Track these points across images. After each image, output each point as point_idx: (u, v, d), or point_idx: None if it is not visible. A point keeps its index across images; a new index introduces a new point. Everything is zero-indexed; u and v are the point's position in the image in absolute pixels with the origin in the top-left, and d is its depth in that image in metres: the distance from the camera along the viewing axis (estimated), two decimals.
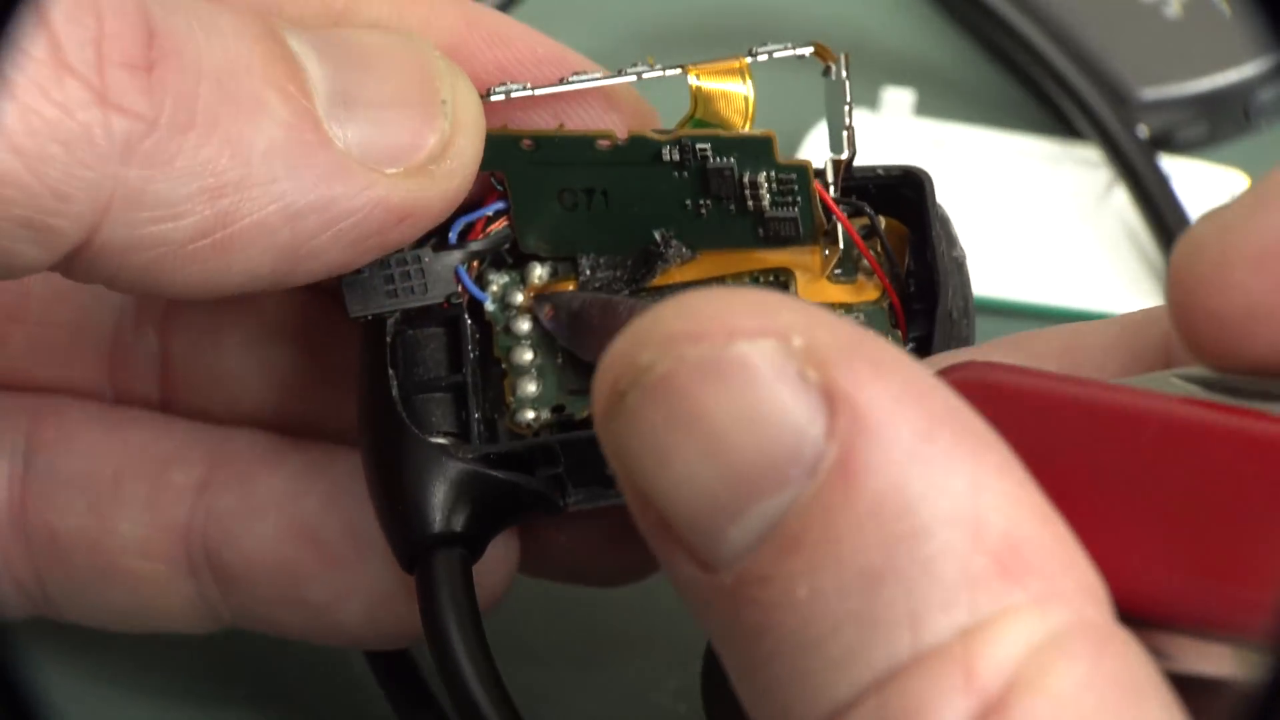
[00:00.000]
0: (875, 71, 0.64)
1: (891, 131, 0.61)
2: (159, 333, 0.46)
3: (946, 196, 0.60)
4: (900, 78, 0.63)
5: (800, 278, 0.41)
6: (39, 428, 0.46)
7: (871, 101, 0.62)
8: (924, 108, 0.62)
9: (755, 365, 0.29)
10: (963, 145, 0.62)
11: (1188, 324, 0.32)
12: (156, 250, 0.36)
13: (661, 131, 0.40)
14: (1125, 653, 0.29)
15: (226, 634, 0.47)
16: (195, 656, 0.50)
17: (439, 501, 0.40)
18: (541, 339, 0.42)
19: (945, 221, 0.41)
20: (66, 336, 0.46)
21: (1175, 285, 0.32)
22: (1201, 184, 0.61)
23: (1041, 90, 0.61)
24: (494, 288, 0.42)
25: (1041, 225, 0.60)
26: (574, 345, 0.41)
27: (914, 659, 0.28)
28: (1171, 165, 0.61)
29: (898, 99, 0.62)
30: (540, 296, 0.42)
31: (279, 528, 0.44)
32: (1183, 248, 0.32)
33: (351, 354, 0.43)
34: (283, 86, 0.37)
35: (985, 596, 0.28)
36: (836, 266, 0.41)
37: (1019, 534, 0.29)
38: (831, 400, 0.29)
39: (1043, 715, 0.28)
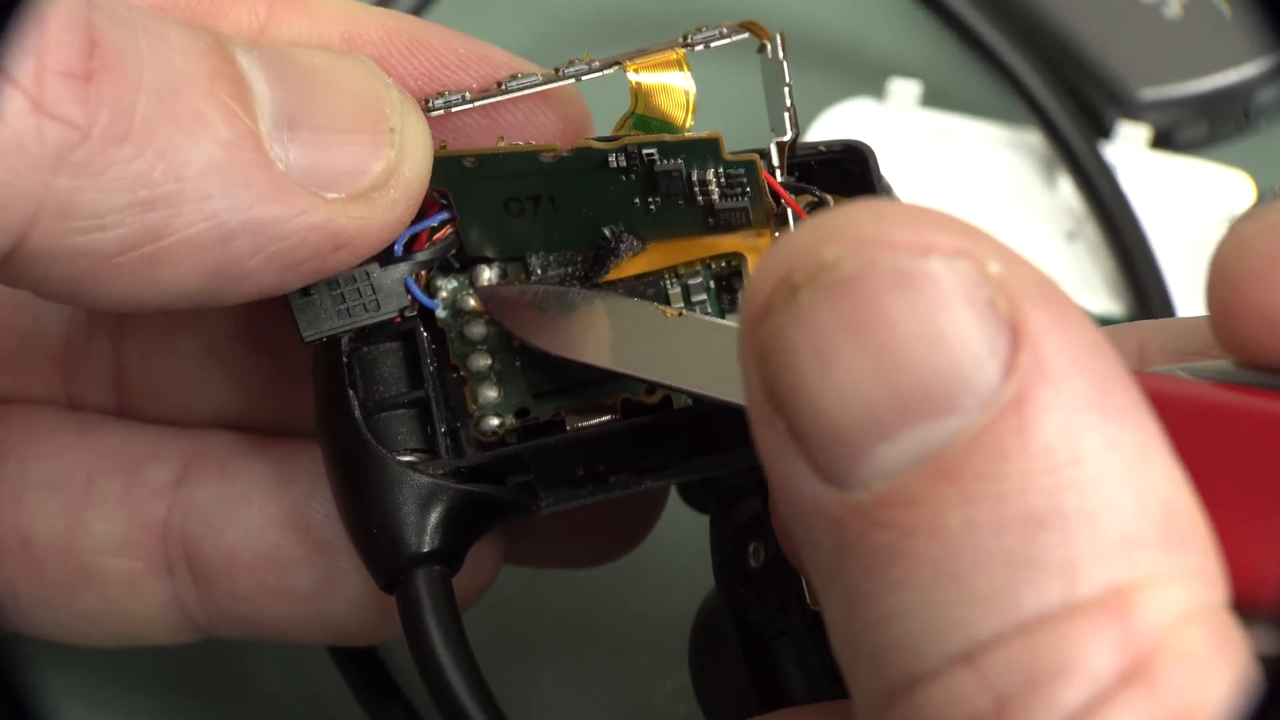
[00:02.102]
0: (882, 63, 0.64)
1: (897, 122, 0.62)
2: (112, 339, 0.46)
3: (949, 188, 0.61)
4: (907, 69, 0.63)
5: (752, 261, 0.41)
6: (4, 432, 0.45)
7: (878, 92, 0.62)
8: (930, 99, 0.62)
9: (948, 284, 0.29)
10: (968, 137, 0.62)
11: (1230, 319, 0.32)
12: (82, 261, 0.35)
13: (606, 139, 0.40)
14: (1241, 638, 0.29)
15: (205, 653, 0.46)
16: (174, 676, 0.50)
17: (412, 522, 0.40)
18: (497, 343, 0.41)
19: (889, 191, 0.41)
20: (18, 344, 0.46)
21: (1219, 281, 0.32)
22: (1201, 184, 0.61)
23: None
24: (443, 294, 0.42)
25: (1043, 219, 0.60)
26: (528, 336, 0.41)
27: (1066, 607, 0.28)
28: (1171, 165, 0.61)
29: (904, 90, 0.62)
30: (483, 290, 0.41)
31: (264, 515, 0.44)
32: (1229, 244, 0.32)
33: (309, 373, 0.42)
34: (226, 104, 0.36)
35: (1144, 558, 0.28)
36: None
37: (1178, 506, 0.29)
38: (1016, 335, 0.29)
39: (1185, 685, 0.28)
